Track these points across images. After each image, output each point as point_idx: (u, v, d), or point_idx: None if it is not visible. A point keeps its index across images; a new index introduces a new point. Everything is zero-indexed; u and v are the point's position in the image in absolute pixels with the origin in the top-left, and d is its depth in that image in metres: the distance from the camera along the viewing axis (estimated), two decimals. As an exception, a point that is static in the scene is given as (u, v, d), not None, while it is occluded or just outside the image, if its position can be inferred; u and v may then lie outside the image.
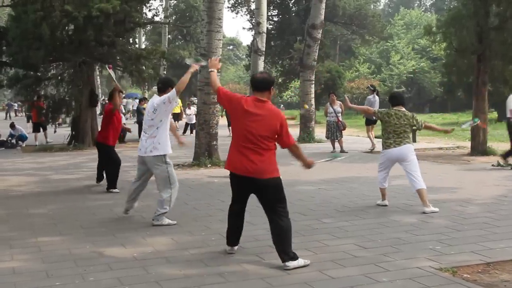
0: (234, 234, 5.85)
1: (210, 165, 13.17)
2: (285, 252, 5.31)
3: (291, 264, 5.24)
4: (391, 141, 8.16)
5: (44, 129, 21.40)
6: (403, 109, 8.29)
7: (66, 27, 17.98)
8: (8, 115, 48.11)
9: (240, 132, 5.47)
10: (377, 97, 17.61)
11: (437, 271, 5.11)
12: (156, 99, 7.25)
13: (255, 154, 5.37)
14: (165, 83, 7.43)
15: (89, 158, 15.69)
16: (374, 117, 8.55)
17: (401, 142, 8.12)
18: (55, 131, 21.45)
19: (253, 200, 8.77)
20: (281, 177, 5.49)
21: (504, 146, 17.06)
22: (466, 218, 7.40)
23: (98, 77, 45.21)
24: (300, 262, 5.30)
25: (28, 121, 23.71)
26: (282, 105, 59.75)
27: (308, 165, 5.73)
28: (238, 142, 5.48)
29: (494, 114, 35.44)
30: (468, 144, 16.85)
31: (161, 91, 7.31)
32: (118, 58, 19.41)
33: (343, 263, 5.40)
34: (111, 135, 10.02)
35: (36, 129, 21.16)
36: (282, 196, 5.50)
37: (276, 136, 5.43)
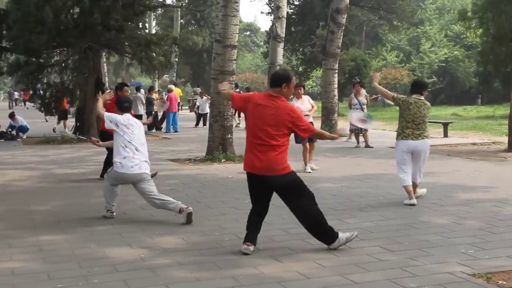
0: (251, 233, 5.96)
1: (224, 160, 13.19)
2: (322, 240, 5.86)
3: (333, 246, 5.86)
4: (409, 131, 8.24)
5: (65, 118, 21.82)
6: (423, 98, 8.36)
7: (71, 10, 18.10)
8: (11, 104, 48.69)
9: (251, 128, 5.79)
10: (363, 90, 18.75)
11: (470, 277, 5.07)
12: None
13: (263, 151, 5.66)
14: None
15: (95, 151, 15.77)
16: (392, 102, 8.63)
17: (420, 135, 8.24)
18: (58, 122, 21.72)
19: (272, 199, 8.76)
20: (294, 171, 5.76)
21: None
22: (502, 219, 7.32)
23: (105, 65, 45.50)
24: (341, 240, 5.81)
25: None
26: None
27: (336, 138, 6.26)
28: (250, 139, 5.80)
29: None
30: (505, 139, 16.68)
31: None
32: (126, 44, 19.52)
33: (367, 267, 5.38)
34: None
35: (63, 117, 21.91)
36: (302, 191, 5.66)
37: (289, 132, 5.70)
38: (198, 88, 31.95)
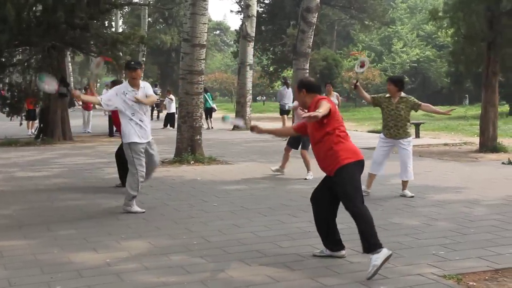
0: (325, 238, 5.86)
1: (193, 161, 13.15)
2: (363, 244, 5.36)
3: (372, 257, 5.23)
4: (389, 130, 8.94)
5: (34, 119, 21.50)
6: (402, 93, 8.89)
7: (34, 8, 17.85)
8: None
9: None
10: (289, 90, 21.16)
11: (440, 279, 5.13)
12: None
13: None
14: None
15: (59, 153, 15.64)
16: (372, 104, 9.06)
17: (398, 134, 8.94)
18: (20, 124, 21.35)
19: (239, 202, 8.78)
20: (347, 165, 5.45)
21: (516, 142, 17.19)
22: (472, 220, 7.43)
23: (70, 64, 45.04)
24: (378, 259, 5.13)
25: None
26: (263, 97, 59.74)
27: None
28: None
29: (505, 107, 35.67)
30: (476, 140, 16.95)
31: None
32: (92, 42, 19.31)
33: (337, 269, 5.41)
34: None
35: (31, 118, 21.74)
36: (347, 189, 5.47)
37: (320, 126, 5.51)
38: (157, 89, 31.81)
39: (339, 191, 5.47)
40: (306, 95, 5.67)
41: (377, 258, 5.05)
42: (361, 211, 5.36)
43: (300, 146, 11.14)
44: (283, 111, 21.92)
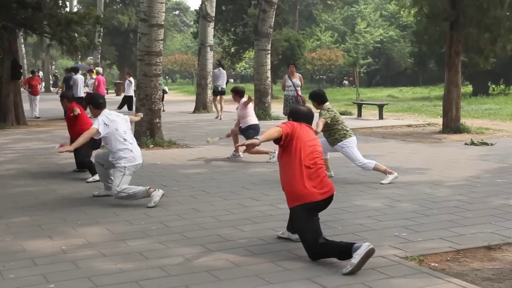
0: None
1: (152, 145, 13.06)
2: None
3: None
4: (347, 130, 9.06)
5: None
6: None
7: (-17, -14, 17.45)
8: None
9: None
10: (223, 71, 22.79)
11: (402, 260, 5.21)
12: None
13: None
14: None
15: (12, 138, 15.38)
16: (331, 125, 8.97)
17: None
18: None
19: (200, 185, 8.76)
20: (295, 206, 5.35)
21: (479, 123, 17.50)
22: (435, 201, 7.55)
23: (23, 46, 44.26)
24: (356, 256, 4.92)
25: None
26: (231, 80, 59.60)
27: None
28: None
29: (468, 88, 36.21)
30: (439, 120, 17.17)
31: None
32: (45, 23, 18.97)
33: (299, 252, 5.43)
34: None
35: None
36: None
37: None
38: (100, 68, 31.42)
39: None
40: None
41: (356, 254, 4.88)
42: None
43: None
44: (216, 92, 22.56)
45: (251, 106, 11.49)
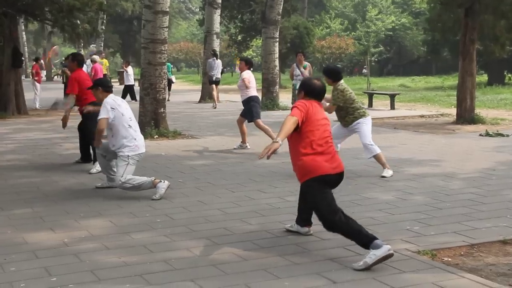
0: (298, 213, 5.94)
1: (157, 136, 13.07)
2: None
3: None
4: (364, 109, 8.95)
5: None
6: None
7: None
8: None
9: None
10: (218, 61, 23.13)
11: (414, 254, 5.20)
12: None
13: None
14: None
15: (13, 128, 15.43)
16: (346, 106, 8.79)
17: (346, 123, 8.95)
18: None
19: (206, 177, 8.77)
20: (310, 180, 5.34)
21: (494, 114, 17.43)
22: (449, 194, 7.53)
23: (24, 33, 44.29)
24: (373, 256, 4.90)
25: None
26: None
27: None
28: None
29: (483, 77, 36.04)
30: (453, 111, 17.12)
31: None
32: (46, 9, 19.00)
33: (308, 246, 5.45)
34: None
35: None
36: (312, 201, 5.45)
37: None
38: (96, 56, 31.31)
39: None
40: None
41: (373, 255, 4.86)
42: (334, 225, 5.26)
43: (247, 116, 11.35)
44: (211, 82, 23.17)
45: (253, 79, 11.42)
